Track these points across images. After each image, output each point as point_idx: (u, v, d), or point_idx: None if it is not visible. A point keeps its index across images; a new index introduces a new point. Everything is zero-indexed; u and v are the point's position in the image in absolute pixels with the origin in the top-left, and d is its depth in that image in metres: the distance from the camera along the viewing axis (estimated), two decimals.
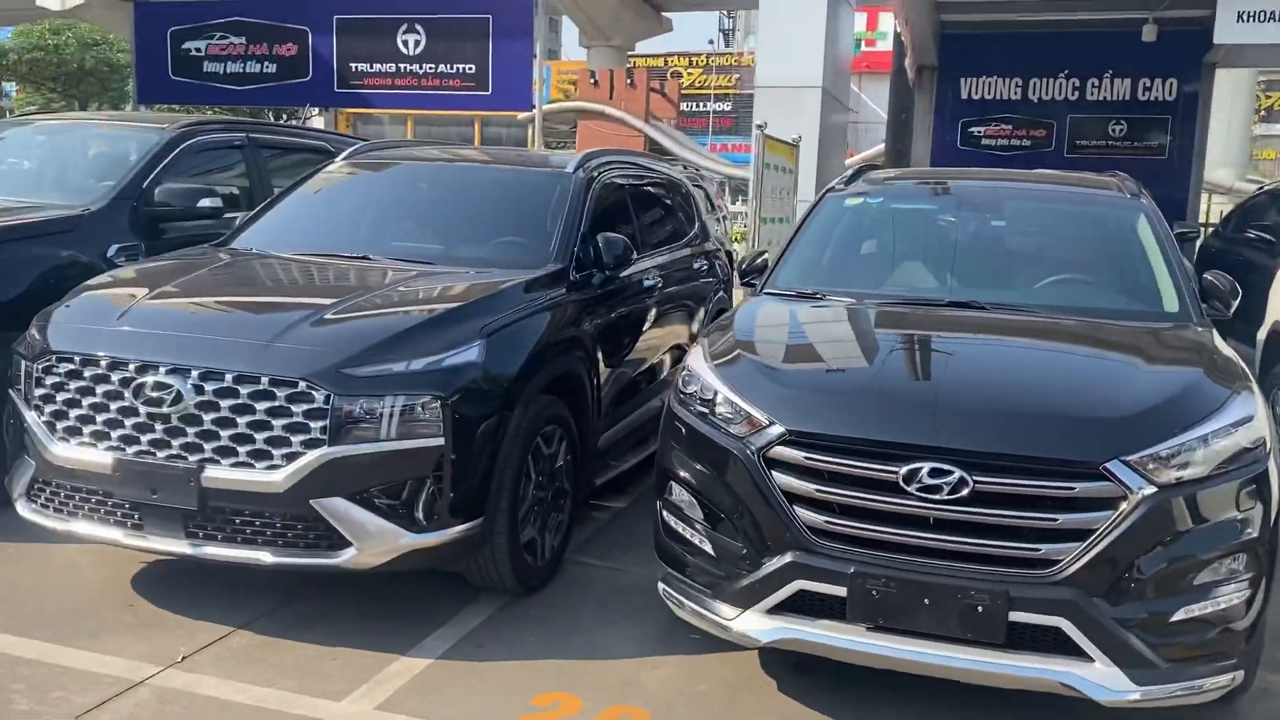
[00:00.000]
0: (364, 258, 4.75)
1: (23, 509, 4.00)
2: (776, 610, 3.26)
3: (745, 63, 51.25)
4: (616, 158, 5.95)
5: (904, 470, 3.09)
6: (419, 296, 4.24)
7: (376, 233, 5.11)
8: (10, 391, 4.10)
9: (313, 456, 3.58)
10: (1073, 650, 3.02)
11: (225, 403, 3.63)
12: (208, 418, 3.64)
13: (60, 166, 6.28)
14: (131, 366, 3.72)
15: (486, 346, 3.94)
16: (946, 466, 3.07)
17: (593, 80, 32.46)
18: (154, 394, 3.66)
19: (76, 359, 3.81)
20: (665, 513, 3.64)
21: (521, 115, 30.45)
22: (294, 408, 3.60)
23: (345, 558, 3.65)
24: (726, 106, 51.07)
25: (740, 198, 26.90)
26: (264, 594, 4.15)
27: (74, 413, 3.81)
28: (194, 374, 3.66)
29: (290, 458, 3.60)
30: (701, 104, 50.67)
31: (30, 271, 5.13)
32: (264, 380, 3.62)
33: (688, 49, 54.04)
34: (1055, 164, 12.66)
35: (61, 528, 3.91)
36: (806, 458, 3.22)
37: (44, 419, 3.87)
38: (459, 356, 3.84)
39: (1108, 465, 3.01)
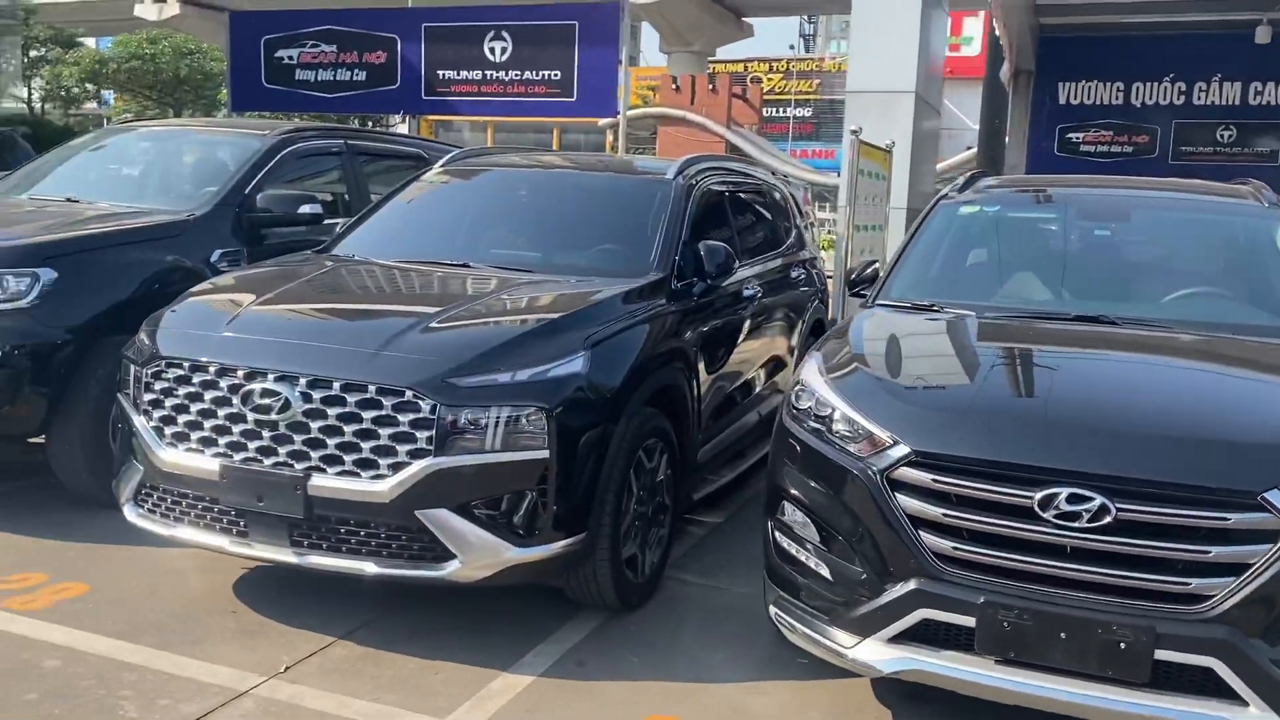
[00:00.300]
0: (464, 265, 4.70)
1: (130, 513, 4.02)
2: (898, 639, 3.11)
3: (826, 68, 50.83)
4: (715, 164, 5.84)
5: (1039, 495, 2.92)
6: (522, 305, 4.18)
7: (475, 240, 5.07)
8: (119, 396, 4.13)
9: (419, 467, 3.52)
10: (1225, 693, 2.81)
11: (332, 411, 3.59)
12: (315, 425, 3.60)
13: (163, 172, 6.37)
14: (240, 373, 3.70)
15: (591, 357, 3.85)
16: (1086, 492, 2.89)
17: (674, 86, 32.43)
18: (262, 401, 3.64)
19: (185, 364, 3.81)
20: (777, 533, 3.51)
21: (601, 121, 30.59)
22: (400, 417, 3.55)
23: (449, 570, 3.59)
24: (807, 112, 50.64)
25: (826, 204, 26.58)
26: (363, 603, 4.11)
27: (182, 418, 3.81)
28: (302, 381, 3.62)
29: (396, 467, 3.55)
30: (781, 109, 50.28)
31: (137, 275, 5.19)
32: (371, 389, 3.57)
33: (767, 54, 53.62)
34: (1159, 171, 12.23)
35: (167, 533, 3.91)
36: (934, 480, 3.06)
37: (152, 424, 3.88)
38: (563, 367, 3.75)
39: (1266, 495, 2.80)
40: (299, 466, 3.62)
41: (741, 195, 6.12)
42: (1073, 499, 2.89)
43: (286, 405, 3.61)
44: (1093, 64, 12.88)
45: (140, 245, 5.29)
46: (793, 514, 3.44)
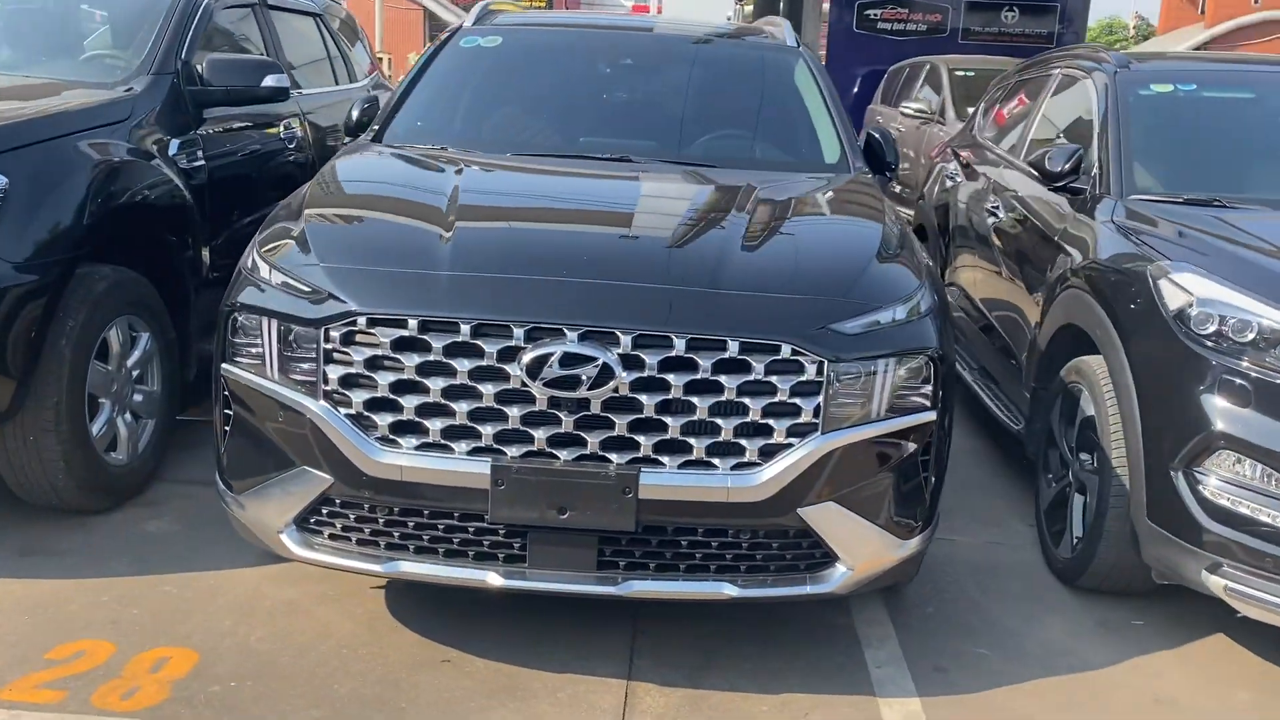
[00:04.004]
0: (624, 159, 3.58)
1: (292, 545, 2.68)
2: None
3: None
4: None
5: None
6: (811, 217, 3.21)
7: (600, 127, 3.90)
8: (228, 368, 2.72)
9: (807, 450, 2.54)
10: None
11: (676, 379, 2.50)
12: (648, 402, 2.49)
13: (33, 27, 4.48)
14: (518, 333, 2.48)
15: (932, 282, 2.98)
16: None
17: None
18: (564, 371, 2.46)
19: (411, 323, 2.51)
20: (1205, 489, 2.90)
21: None
22: (777, 382, 2.53)
23: (835, 583, 2.68)
24: None
25: None
26: (591, 619, 3.06)
27: (410, 402, 2.52)
28: (624, 340, 2.49)
29: (769, 452, 2.54)
30: None
31: (90, 178, 3.53)
32: (732, 345, 2.51)
33: None
34: (949, 50, 12.45)
35: (378, 569, 2.65)
36: None
37: (349, 413, 2.56)
38: (926, 298, 2.85)
39: None
40: (620, 460, 2.52)
41: None
42: None
43: (606, 375, 2.47)
44: None
45: (91, 134, 3.61)
46: (1229, 463, 2.86)
